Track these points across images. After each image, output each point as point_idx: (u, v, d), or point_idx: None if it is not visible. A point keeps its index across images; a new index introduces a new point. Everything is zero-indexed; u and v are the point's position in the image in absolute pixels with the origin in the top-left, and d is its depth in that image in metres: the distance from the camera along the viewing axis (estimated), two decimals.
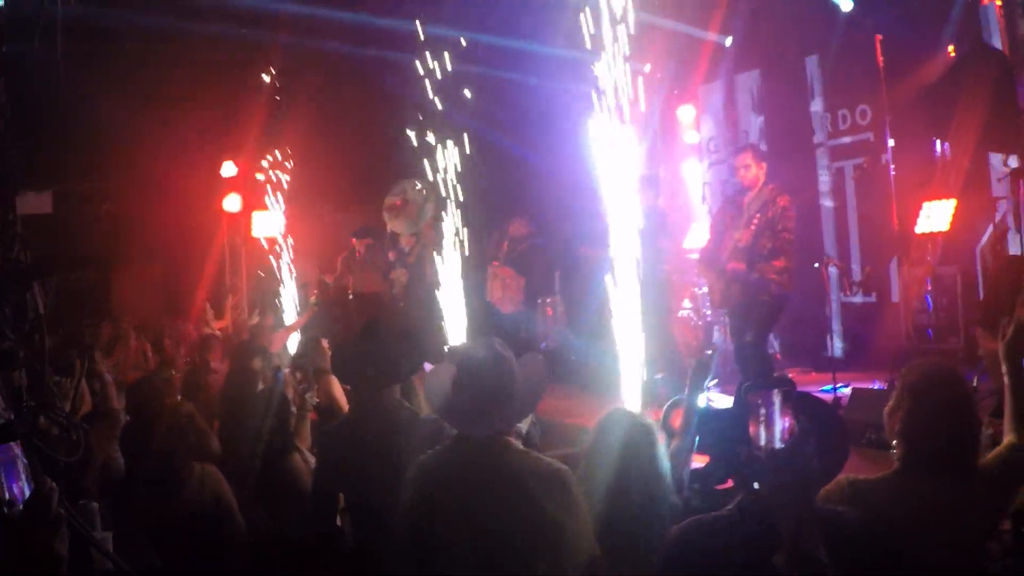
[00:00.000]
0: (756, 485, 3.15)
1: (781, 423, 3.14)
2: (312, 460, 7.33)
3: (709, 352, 13.21)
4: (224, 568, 7.01)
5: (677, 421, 7.83)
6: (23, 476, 2.67)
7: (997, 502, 4.19)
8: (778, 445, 3.15)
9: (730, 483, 4.81)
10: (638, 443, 5.11)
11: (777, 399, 3.14)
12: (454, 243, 13.49)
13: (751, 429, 3.16)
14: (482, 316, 14.67)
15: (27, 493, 2.62)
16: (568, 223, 16.24)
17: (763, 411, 3.14)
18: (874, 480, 4.09)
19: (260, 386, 8.60)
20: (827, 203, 14.84)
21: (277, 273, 17.21)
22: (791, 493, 3.05)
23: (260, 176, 18.05)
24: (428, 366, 7.90)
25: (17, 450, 2.69)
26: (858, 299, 14.13)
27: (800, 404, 3.23)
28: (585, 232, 12.90)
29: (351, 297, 16.89)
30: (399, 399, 6.10)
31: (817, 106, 14.89)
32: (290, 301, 17.03)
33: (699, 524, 3.79)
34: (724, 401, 7.44)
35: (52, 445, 2.81)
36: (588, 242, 15.11)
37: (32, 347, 3.18)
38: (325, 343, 9.69)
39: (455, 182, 13.47)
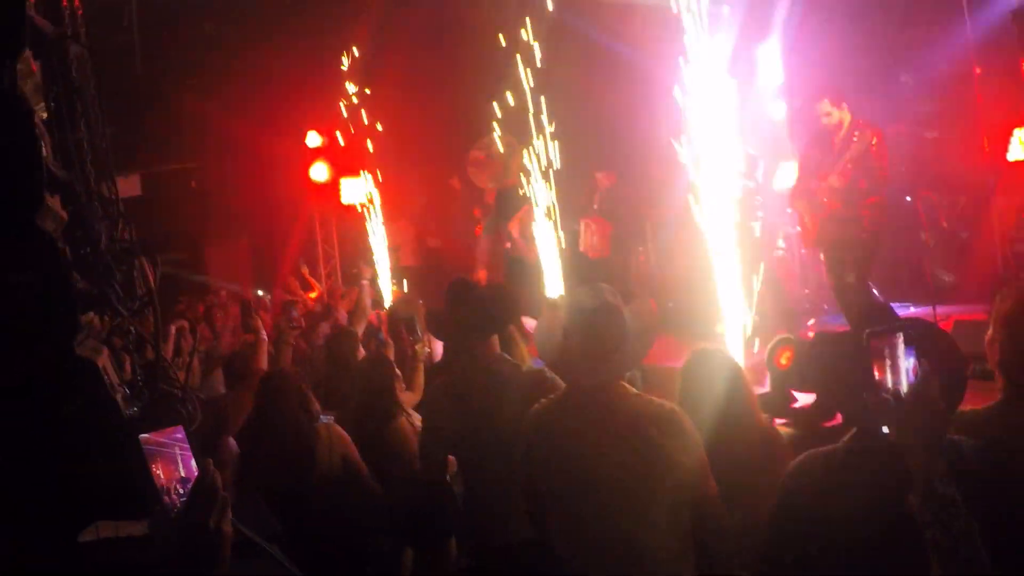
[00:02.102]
0: (885, 430, 3.13)
1: (907, 365, 3.11)
2: (418, 422, 7.34)
3: (807, 291, 13.22)
4: (358, 529, 7.09)
5: (782, 359, 7.86)
6: (192, 456, 2.73)
7: None
8: (904, 388, 3.13)
9: (838, 419, 4.77)
10: (722, 382, 5.34)
11: (901, 341, 3.11)
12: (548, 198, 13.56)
13: (877, 374, 3.13)
14: (579, 266, 14.68)
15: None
16: (653, 172, 16.18)
17: (888, 354, 3.12)
18: (979, 411, 4.04)
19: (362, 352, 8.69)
20: (918, 135, 14.64)
21: (370, 237, 17.29)
22: (921, 435, 3.03)
23: (346, 142, 18.16)
24: (529, 321, 7.94)
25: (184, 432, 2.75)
26: (954, 230, 13.95)
27: (924, 343, 3.20)
28: (668, 181, 12.84)
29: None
30: (500, 352, 6.11)
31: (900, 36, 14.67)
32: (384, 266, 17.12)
33: (813, 458, 3.78)
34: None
35: (174, 420, 2.86)
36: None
37: (144, 324, 3.23)
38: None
39: (544, 136, 13.52)
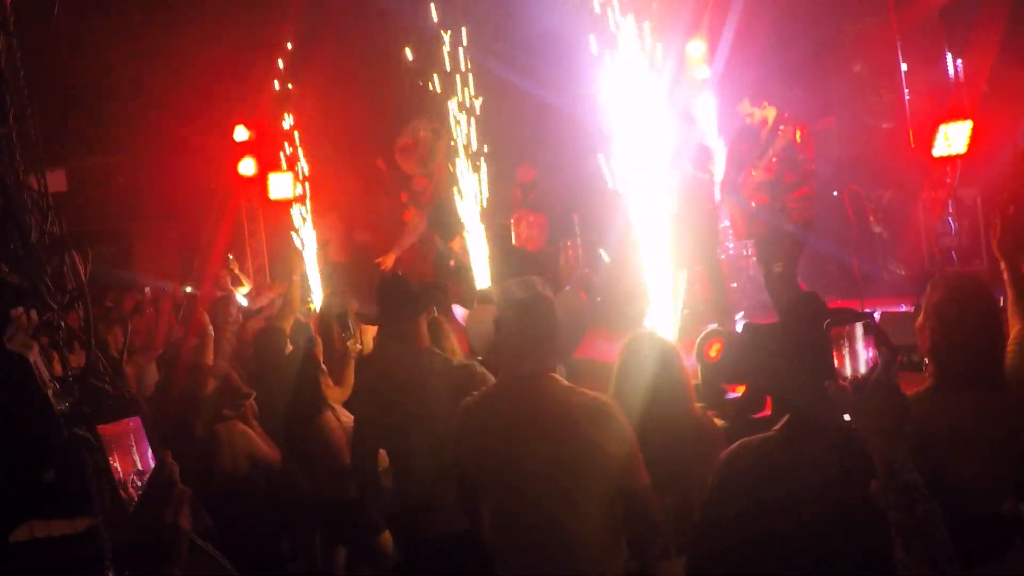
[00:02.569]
0: (847, 417, 3.17)
1: (865, 354, 3.17)
2: (345, 417, 7.34)
3: (735, 285, 13.32)
4: (273, 527, 7.08)
5: (711, 351, 7.90)
6: (149, 448, 2.70)
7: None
8: (862, 376, 3.18)
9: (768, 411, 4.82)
10: (660, 363, 5.39)
11: (860, 330, 3.17)
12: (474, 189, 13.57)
13: (836, 362, 3.19)
14: (508, 259, 14.70)
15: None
16: (582, 164, 16.25)
17: (846, 343, 3.17)
18: (909, 397, 4.12)
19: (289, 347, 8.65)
20: (846, 129, 14.79)
21: (297, 234, 17.19)
22: (883, 420, 3.07)
23: (273, 137, 18.08)
24: (458, 309, 7.96)
25: (141, 422, 2.71)
26: (879, 224, 14.10)
27: (882, 333, 3.26)
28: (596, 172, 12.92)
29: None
30: (430, 346, 6.11)
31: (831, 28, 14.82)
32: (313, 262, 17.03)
33: (747, 446, 3.82)
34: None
35: (105, 409, 2.82)
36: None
37: (75, 318, 3.20)
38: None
39: (465, 125, 13.55)
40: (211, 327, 8.31)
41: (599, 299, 13.77)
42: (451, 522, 5.23)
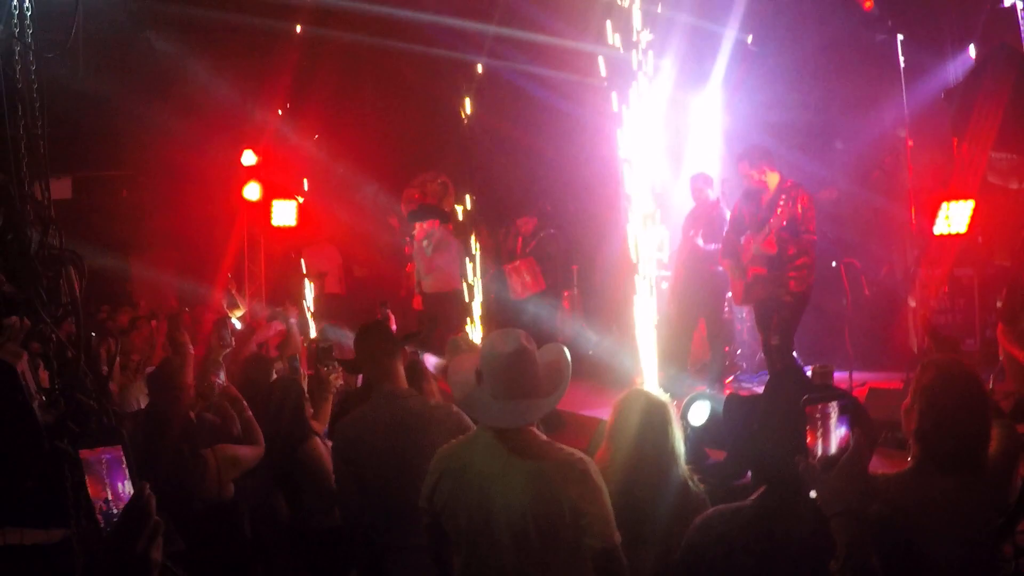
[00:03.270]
0: (813, 494, 3.19)
1: (838, 434, 3.19)
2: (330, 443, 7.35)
3: (727, 349, 13.33)
4: (252, 553, 7.07)
5: (696, 414, 7.92)
6: (127, 477, 2.70)
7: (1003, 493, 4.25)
8: (833, 456, 3.20)
9: (747, 478, 4.84)
10: (653, 420, 5.37)
11: (835, 409, 3.19)
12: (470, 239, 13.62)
13: (808, 439, 3.21)
14: (500, 310, 14.69)
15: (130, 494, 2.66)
16: (583, 217, 16.31)
17: (820, 421, 3.19)
18: (890, 477, 4.14)
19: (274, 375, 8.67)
20: (848, 202, 14.83)
21: (300, 264, 17.21)
22: (848, 503, 3.10)
23: (279, 164, 18.15)
24: (430, 358, 7.98)
25: (122, 452, 2.72)
26: (875, 298, 14.11)
27: (859, 414, 3.28)
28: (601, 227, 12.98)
29: None
30: (409, 388, 6.14)
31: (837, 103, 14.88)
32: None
33: (719, 515, 3.84)
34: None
35: (90, 431, 2.84)
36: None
37: (67, 331, 3.22)
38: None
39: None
40: (191, 346, 8.32)
41: (591, 352, 13.76)
42: (422, 566, 5.21)
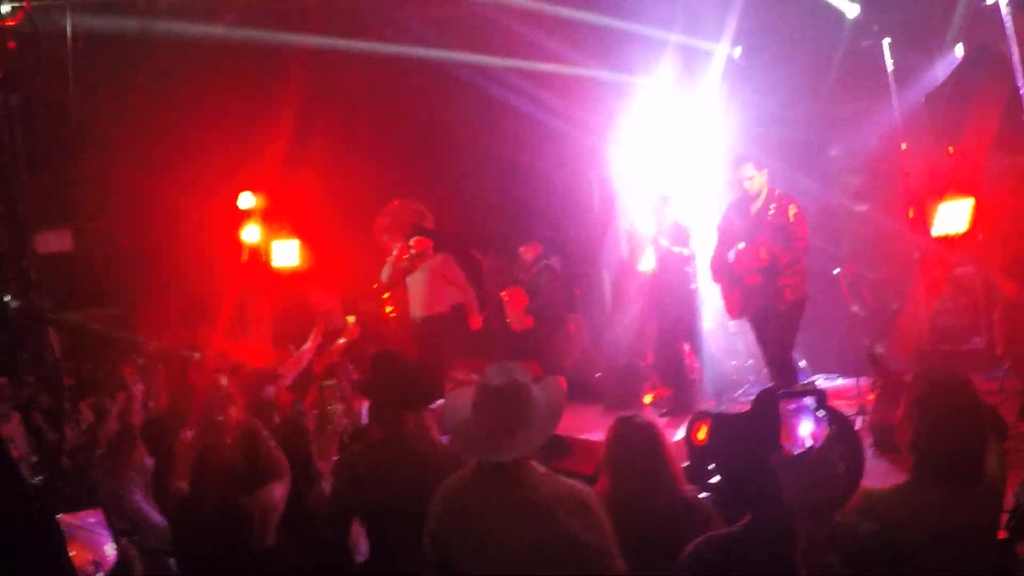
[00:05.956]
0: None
1: (811, 429, 3.20)
2: None
3: (734, 363, 13.30)
4: None
5: (699, 434, 7.90)
6: (110, 539, 2.71)
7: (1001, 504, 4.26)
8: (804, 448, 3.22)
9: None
10: (642, 446, 5.54)
11: (809, 405, 3.20)
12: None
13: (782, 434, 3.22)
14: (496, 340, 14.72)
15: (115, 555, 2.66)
16: (581, 241, 16.33)
17: (794, 417, 3.21)
18: (888, 491, 4.14)
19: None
20: (845, 208, 14.82)
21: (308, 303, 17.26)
22: (815, 496, 3.10)
23: (278, 204, 18.16)
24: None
25: (103, 515, 2.72)
26: (878, 303, 14.08)
27: (831, 412, 3.29)
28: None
29: None
30: (424, 425, 6.15)
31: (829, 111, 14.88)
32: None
33: (710, 542, 3.85)
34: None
35: (72, 483, 2.85)
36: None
37: (50, 390, 3.23)
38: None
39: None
40: (137, 388, 8.26)
41: (597, 375, 13.74)
42: None
